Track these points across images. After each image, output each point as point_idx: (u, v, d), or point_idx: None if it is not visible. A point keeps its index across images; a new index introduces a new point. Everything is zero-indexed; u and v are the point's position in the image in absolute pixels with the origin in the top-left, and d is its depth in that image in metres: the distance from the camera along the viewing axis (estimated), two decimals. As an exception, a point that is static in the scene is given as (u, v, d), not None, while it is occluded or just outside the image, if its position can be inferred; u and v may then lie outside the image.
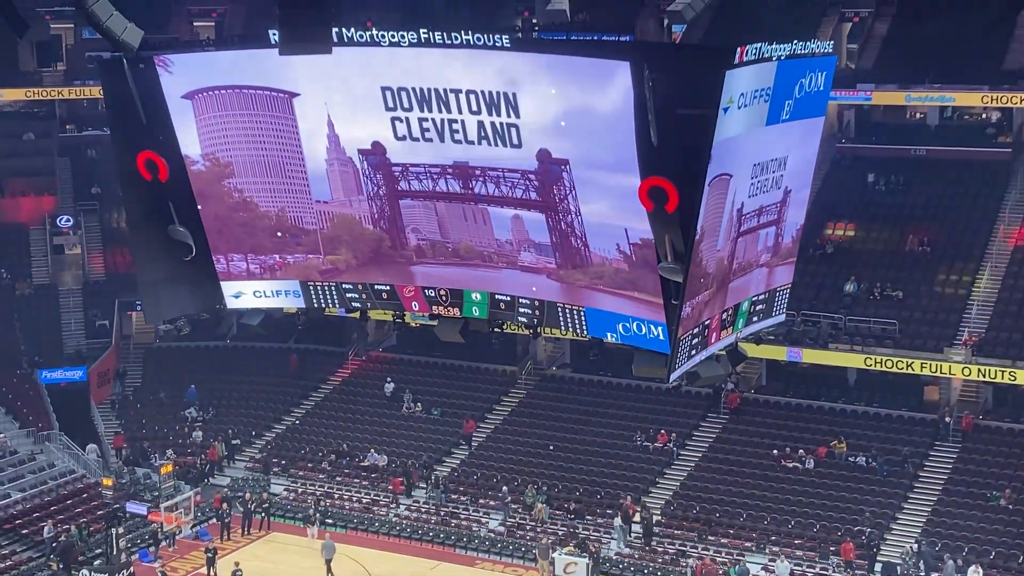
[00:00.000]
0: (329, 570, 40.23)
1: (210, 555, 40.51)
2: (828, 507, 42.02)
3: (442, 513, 44.52)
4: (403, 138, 22.53)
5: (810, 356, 45.17)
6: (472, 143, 21.96)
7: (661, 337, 21.92)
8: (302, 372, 54.60)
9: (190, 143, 24.16)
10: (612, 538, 42.05)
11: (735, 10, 51.26)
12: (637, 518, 42.36)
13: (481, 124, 21.62)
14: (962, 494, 41.74)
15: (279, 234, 25.08)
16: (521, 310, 24.12)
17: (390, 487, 46.17)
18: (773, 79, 20.73)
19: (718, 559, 40.12)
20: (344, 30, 21.45)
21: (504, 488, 44.52)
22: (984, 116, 53.38)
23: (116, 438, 50.79)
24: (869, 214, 50.40)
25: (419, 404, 51.02)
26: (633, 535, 42.04)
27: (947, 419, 44.29)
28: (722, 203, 21.06)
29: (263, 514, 44.42)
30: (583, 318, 23.35)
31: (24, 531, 42.42)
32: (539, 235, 22.69)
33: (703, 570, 39.37)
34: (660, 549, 41.24)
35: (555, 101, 20.81)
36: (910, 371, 43.74)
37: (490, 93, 21.25)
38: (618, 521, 42.06)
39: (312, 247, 24.94)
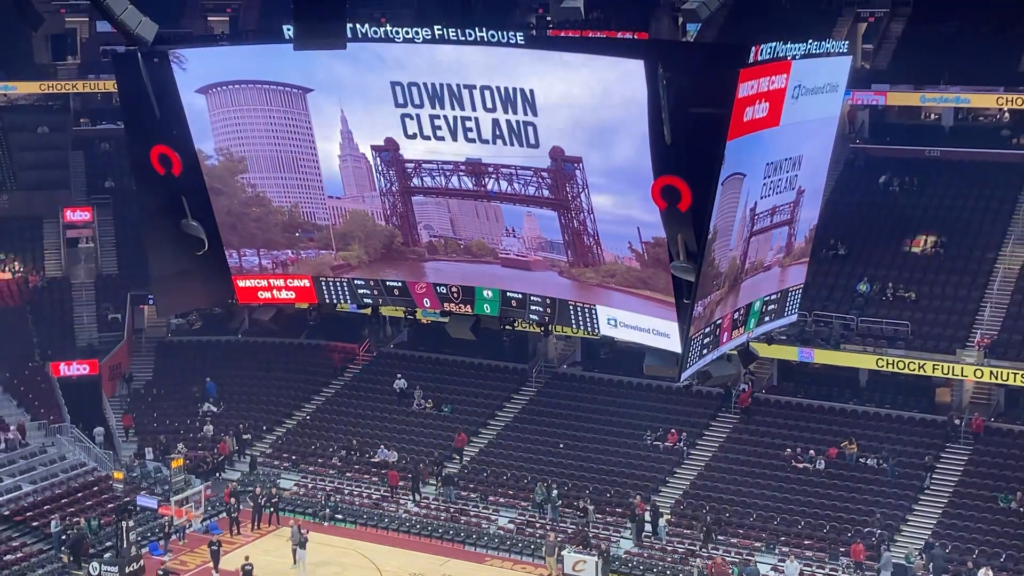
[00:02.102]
0: (295, 557, 40.66)
1: (215, 548, 40.60)
2: (838, 508, 41.95)
3: (452, 510, 44.54)
4: (415, 135, 22.53)
5: (822, 356, 45.11)
6: (486, 141, 21.95)
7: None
8: (313, 368, 54.63)
9: (203, 138, 24.16)
10: (623, 536, 42.03)
11: (750, 9, 51.30)
12: (648, 517, 42.31)
13: (496, 122, 21.61)
14: (973, 496, 41.63)
15: (292, 230, 25.08)
16: (532, 308, 24.09)
17: (388, 480, 46.40)
18: (788, 79, 20.68)
19: (727, 559, 40.07)
20: (358, 26, 21.44)
21: (554, 492, 44.27)
22: (998, 118, 53.24)
23: (125, 417, 51.25)
24: (883, 214, 50.25)
25: (430, 401, 51.05)
26: (644, 534, 42.02)
27: (956, 421, 44.18)
28: (735, 202, 21.01)
29: (271, 509, 44.48)
30: (594, 316, 23.32)
31: (35, 523, 42.55)
32: (551, 233, 22.67)
33: (714, 569, 39.34)
34: (670, 548, 41.23)
35: (569, 99, 20.78)
36: (922, 372, 43.65)
37: (504, 90, 21.23)
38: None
39: (324, 243, 24.94)
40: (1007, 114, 52.37)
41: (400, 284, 25.16)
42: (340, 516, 44.69)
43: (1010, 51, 50.51)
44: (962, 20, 51.98)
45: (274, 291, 26.25)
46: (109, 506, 44.06)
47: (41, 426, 48.25)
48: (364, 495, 46.23)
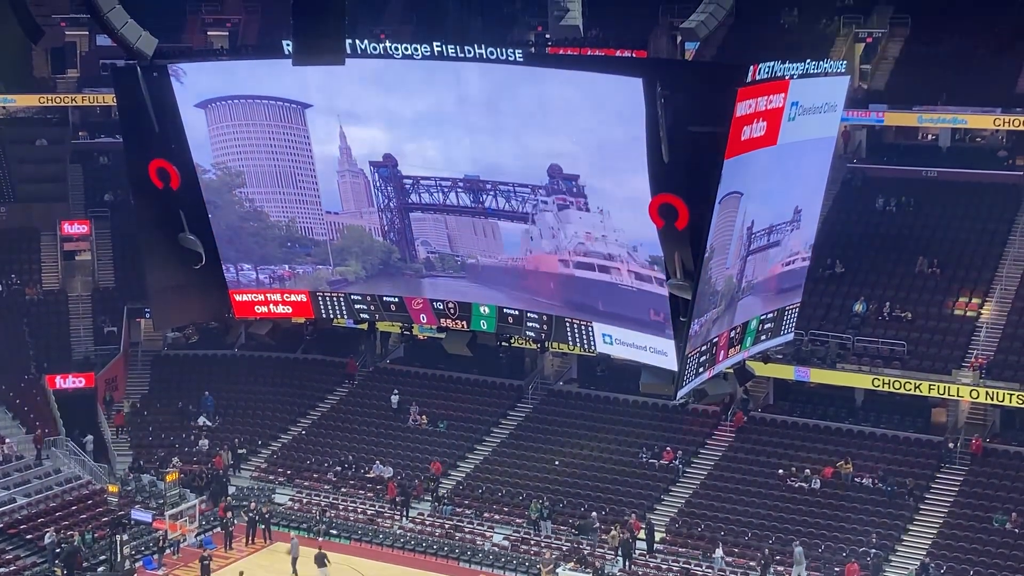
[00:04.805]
0: (294, 569, 40.82)
1: (205, 563, 40.52)
2: (833, 528, 41.90)
3: (446, 526, 44.47)
4: (414, 150, 22.59)
5: (818, 376, 45.14)
6: (483, 156, 22.01)
7: None
8: (309, 382, 54.60)
9: (202, 152, 24.19)
10: (619, 555, 41.92)
11: (748, 28, 51.40)
12: (642, 535, 42.26)
13: (493, 137, 21.66)
14: (968, 517, 41.61)
15: (289, 244, 25.10)
16: (529, 324, 24.10)
17: (386, 492, 46.41)
18: (786, 98, 20.73)
19: (722, 578, 40.10)
20: (358, 42, 21.50)
21: (593, 514, 43.85)
22: (995, 136, 53.26)
23: (116, 416, 51.54)
24: (880, 234, 50.29)
25: (425, 416, 51.02)
26: (639, 552, 41.95)
27: (950, 445, 44.08)
28: (732, 221, 21.05)
29: (264, 524, 44.34)
30: (591, 333, 23.33)
31: (28, 536, 42.43)
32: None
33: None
34: (664, 567, 41.17)
35: (566, 116, 20.83)
36: (918, 392, 43.68)
37: (503, 107, 21.29)
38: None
39: (322, 258, 24.97)
40: (1004, 136, 52.42)
41: (397, 300, 25.19)
42: (335, 531, 44.59)
43: (1007, 73, 50.63)
44: (959, 41, 52.10)
45: (271, 305, 26.26)
46: (103, 520, 43.96)
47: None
48: (359, 511, 46.15)
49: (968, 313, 46.17)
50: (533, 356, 51.62)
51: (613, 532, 42.54)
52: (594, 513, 43.88)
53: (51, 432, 48.61)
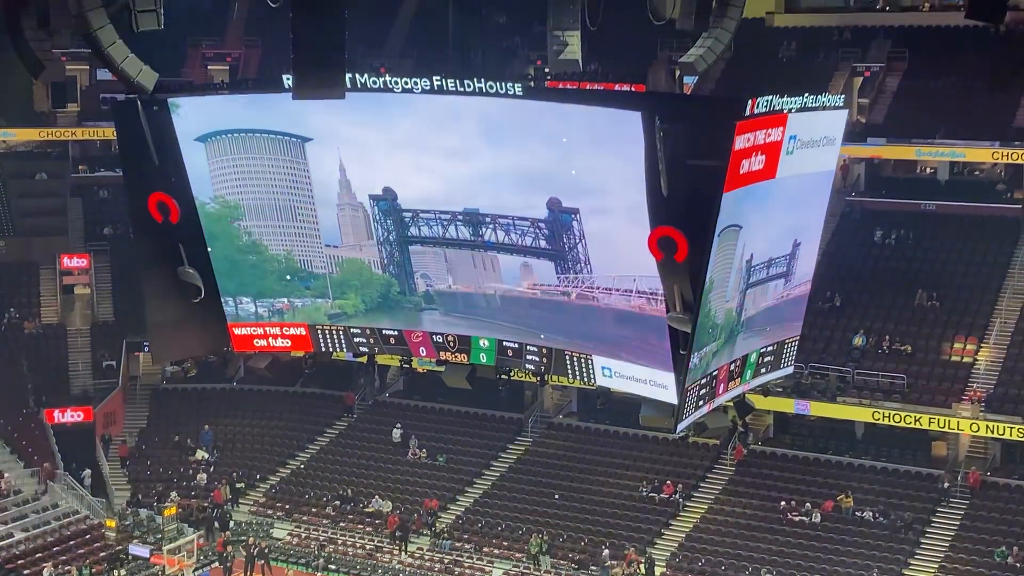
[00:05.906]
0: None
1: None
2: (834, 562, 41.70)
3: (446, 561, 44.27)
4: (414, 183, 22.62)
5: (818, 409, 45.03)
6: (483, 190, 22.05)
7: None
8: (308, 416, 54.46)
9: (202, 185, 24.22)
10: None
11: (747, 62, 51.58)
12: (642, 569, 42.05)
13: (492, 169, 21.71)
14: (969, 551, 41.41)
15: (288, 277, 25.10)
16: (529, 357, 24.08)
17: (386, 525, 46.20)
18: (784, 131, 20.78)
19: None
20: (358, 76, 21.58)
21: (605, 551, 43.50)
22: (994, 169, 53.36)
23: (121, 447, 51.54)
24: (879, 267, 50.32)
25: (424, 450, 50.86)
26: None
27: (945, 484, 43.88)
28: (731, 254, 21.07)
29: (263, 559, 44.12)
30: (590, 366, 23.30)
31: (26, 572, 42.22)
32: (549, 283, 22.69)
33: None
34: (664, 601, 41.02)
35: (566, 150, 20.88)
36: (918, 426, 43.56)
37: (502, 140, 21.34)
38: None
39: (321, 291, 24.97)
40: (1002, 169, 52.49)
41: (396, 333, 25.17)
42: (333, 566, 44.39)
43: (1005, 106, 50.67)
44: (957, 75, 52.25)
45: (270, 339, 26.25)
46: (101, 555, 43.76)
47: (34, 473, 48.00)
48: (358, 545, 45.95)
49: (968, 346, 46.12)
50: (533, 389, 51.52)
51: (616, 570, 42.34)
52: (606, 551, 43.58)
53: (49, 466, 48.44)
